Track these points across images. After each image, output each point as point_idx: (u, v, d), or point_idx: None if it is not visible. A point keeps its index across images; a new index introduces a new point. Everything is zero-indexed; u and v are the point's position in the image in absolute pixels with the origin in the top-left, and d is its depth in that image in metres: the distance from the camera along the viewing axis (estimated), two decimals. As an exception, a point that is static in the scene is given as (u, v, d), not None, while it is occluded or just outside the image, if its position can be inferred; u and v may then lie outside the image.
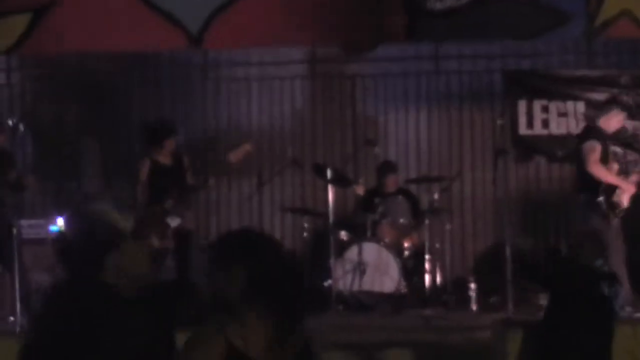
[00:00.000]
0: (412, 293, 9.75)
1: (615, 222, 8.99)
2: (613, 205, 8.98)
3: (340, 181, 10.11)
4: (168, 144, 9.64)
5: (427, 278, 9.88)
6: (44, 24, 9.30)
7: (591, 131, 9.30)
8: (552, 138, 11.19)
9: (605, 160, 9.05)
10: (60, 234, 9.23)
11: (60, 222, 9.71)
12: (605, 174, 8.99)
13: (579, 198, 9.20)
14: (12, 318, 8.98)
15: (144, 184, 9.61)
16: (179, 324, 4.39)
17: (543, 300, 8.12)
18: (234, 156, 9.53)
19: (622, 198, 9.01)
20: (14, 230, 8.79)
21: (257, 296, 3.28)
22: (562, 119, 11.19)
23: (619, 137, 10.72)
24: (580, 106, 11.17)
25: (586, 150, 9.04)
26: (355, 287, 9.61)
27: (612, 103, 9.61)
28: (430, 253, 9.95)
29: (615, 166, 9.20)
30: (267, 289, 3.29)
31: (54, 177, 11.22)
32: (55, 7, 9.29)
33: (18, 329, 8.44)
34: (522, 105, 11.22)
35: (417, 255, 9.98)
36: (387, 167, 10.51)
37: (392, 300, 9.53)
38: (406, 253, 9.94)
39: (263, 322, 3.27)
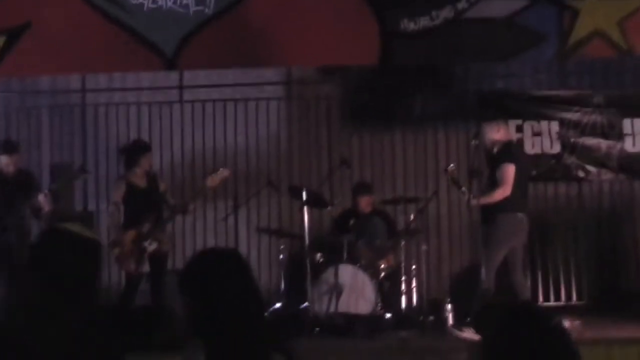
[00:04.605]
0: (389, 314, 9.74)
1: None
2: None
3: (316, 202, 10.08)
4: (144, 161, 9.42)
5: (403, 299, 9.88)
6: (18, 47, 9.26)
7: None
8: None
9: None
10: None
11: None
12: None
13: None
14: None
15: (118, 205, 9.46)
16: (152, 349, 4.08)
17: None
18: (212, 181, 9.34)
19: None
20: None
21: (206, 329, 3.03)
22: (536, 138, 11.25)
23: (594, 155, 10.81)
24: (555, 125, 11.23)
25: None
26: (332, 310, 9.56)
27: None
28: (406, 274, 9.95)
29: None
30: (215, 321, 3.02)
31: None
32: (29, 30, 9.27)
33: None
34: (496, 126, 11.25)
35: (393, 276, 9.97)
36: (361, 188, 10.50)
37: (368, 322, 9.48)
38: (382, 274, 9.91)
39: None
